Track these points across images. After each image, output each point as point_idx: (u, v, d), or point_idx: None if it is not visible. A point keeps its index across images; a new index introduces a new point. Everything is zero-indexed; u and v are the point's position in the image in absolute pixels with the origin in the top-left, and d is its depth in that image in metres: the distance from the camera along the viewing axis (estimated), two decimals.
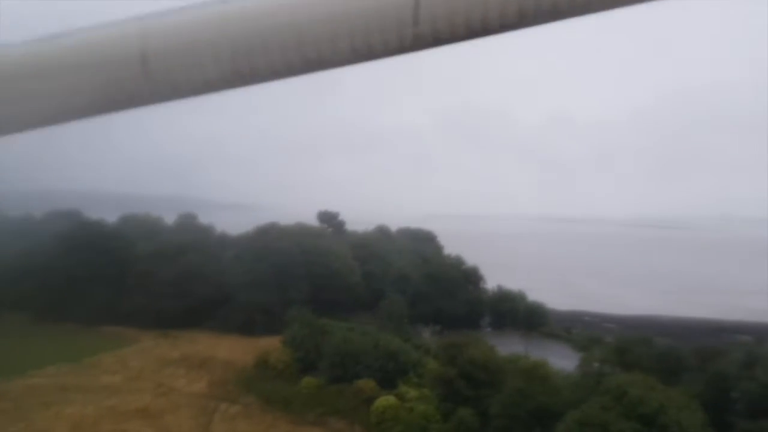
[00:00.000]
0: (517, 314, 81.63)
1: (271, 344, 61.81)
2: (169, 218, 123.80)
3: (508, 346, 72.00)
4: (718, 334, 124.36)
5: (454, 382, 42.91)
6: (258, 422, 46.14)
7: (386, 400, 45.47)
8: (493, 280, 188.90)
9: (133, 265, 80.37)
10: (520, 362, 42.47)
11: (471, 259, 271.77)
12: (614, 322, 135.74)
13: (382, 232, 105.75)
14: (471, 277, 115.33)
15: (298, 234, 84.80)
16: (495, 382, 42.17)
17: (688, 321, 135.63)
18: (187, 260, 78.20)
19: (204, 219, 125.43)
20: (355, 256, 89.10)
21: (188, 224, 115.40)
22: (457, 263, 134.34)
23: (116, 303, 78.03)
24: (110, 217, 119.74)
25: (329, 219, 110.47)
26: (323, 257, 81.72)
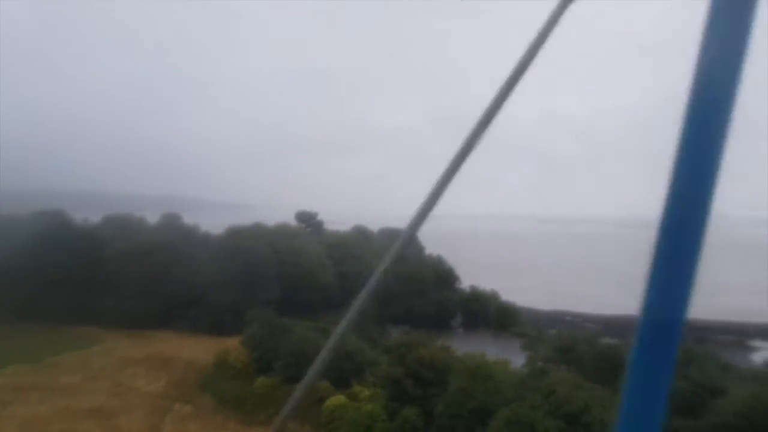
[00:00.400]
0: (488, 314, 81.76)
1: (234, 344, 61.92)
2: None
3: (477, 346, 72.32)
4: (700, 333, 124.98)
5: (401, 381, 43.04)
6: (208, 422, 46.28)
7: (336, 399, 45.60)
8: (480, 280, 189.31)
9: (103, 265, 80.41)
10: (465, 362, 42.57)
11: (461, 258, 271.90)
12: (595, 321, 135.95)
13: (359, 232, 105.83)
14: (446, 277, 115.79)
15: (270, 234, 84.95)
16: (442, 381, 42.29)
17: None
18: (156, 260, 78.27)
19: (200, 219, 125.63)
20: (329, 256, 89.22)
21: (171, 224, 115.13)
22: (436, 263, 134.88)
23: (86, 303, 78.13)
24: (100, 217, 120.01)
25: (307, 219, 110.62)
26: (295, 257, 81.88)
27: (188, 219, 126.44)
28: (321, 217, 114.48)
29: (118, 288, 77.15)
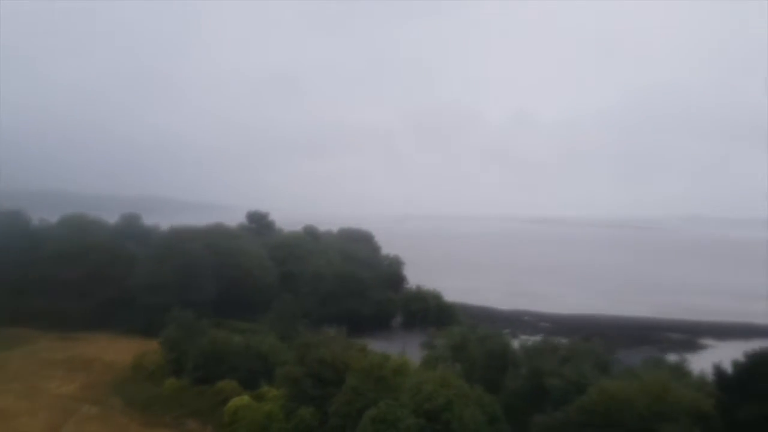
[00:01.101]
0: (428, 313, 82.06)
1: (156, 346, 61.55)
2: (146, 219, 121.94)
3: (410, 345, 72.42)
4: (651, 332, 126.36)
5: (300, 381, 43.06)
6: (110, 424, 45.98)
7: (240, 400, 45.51)
8: (447, 280, 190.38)
9: (41, 266, 79.70)
10: (360, 361, 42.60)
11: (433, 258, 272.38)
12: (550, 321, 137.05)
13: (308, 232, 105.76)
14: (393, 277, 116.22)
15: (209, 234, 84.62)
16: (341, 381, 42.32)
17: (624, 319, 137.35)
18: (92, 261, 77.68)
19: (179, 220, 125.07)
20: (272, 257, 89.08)
21: (131, 225, 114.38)
22: (389, 264, 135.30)
23: (24, 304, 77.35)
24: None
25: (258, 219, 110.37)
26: (235, 258, 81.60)
27: (167, 220, 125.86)
28: (285, 217, 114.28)
29: (55, 289, 76.42)
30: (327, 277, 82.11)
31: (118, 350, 65.64)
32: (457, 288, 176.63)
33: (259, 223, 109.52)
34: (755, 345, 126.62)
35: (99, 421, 46.80)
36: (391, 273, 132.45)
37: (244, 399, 45.53)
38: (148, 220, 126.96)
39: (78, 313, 74.62)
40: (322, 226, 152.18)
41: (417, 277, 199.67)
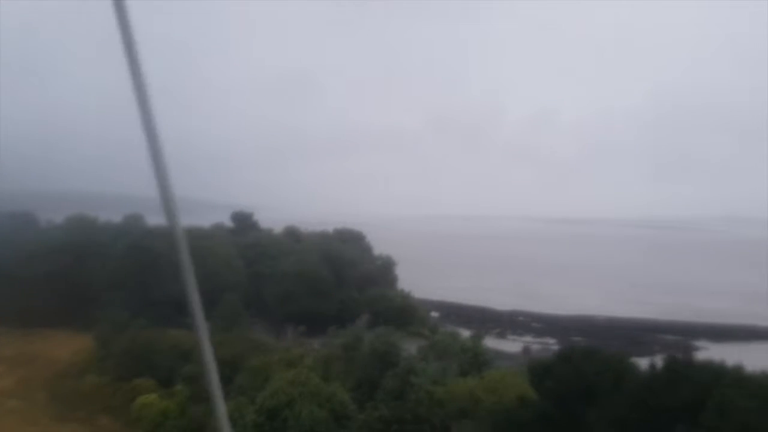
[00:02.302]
0: (391, 313, 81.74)
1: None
2: (157, 219, 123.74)
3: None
4: (645, 333, 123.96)
5: (198, 379, 43.54)
6: (22, 419, 47.10)
7: (146, 397, 46.23)
8: (452, 280, 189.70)
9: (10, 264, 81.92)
10: (252, 361, 42.94)
11: (444, 258, 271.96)
12: (543, 321, 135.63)
13: (289, 232, 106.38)
14: (383, 277, 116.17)
15: (168, 234, 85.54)
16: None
17: (621, 320, 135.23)
18: (58, 259, 79.59)
19: (200, 220, 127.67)
20: (243, 257, 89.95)
21: (133, 224, 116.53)
22: (384, 263, 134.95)
23: None
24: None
25: (242, 219, 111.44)
26: (201, 257, 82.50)
27: (189, 221, 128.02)
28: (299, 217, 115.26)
29: (20, 286, 78.41)
30: (289, 276, 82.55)
31: (69, 347, 67.04)
32: (460, 288, 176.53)
33: (242, 223, 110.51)
34: (752, 347, 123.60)
35: (17, 415, 47.99)
36: (380, 272, 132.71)
37: (151, 396, 46.22)
38: (159, 220, 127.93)
39: (42, 309, 76.31)
40: (331, 226, 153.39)
41: (422, 276, 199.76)
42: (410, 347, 50.29)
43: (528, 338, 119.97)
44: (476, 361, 43.32)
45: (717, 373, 25.89)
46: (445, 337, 53.67)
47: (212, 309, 78.77)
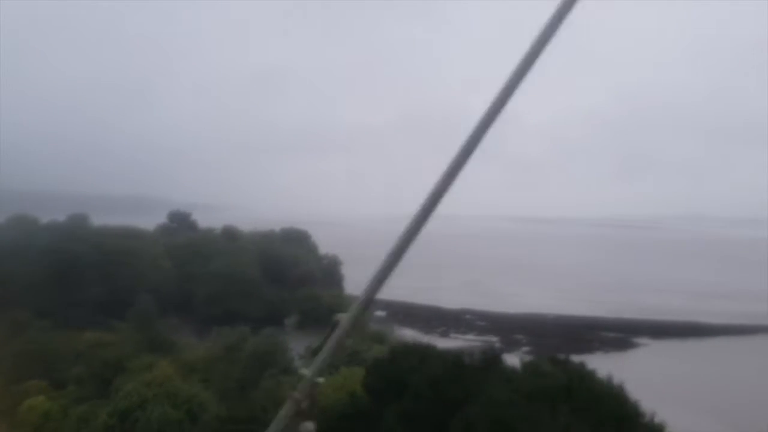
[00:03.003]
0: (319, 313, 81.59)
1: None
2: (132, 219, 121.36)
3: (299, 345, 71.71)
4: (587, 331, 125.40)
5: (86, 381, 42.96)
6: None
7: (33, 400, 45.32)
8: (407, 278, 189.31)
9: None
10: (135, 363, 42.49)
11: (406, 257, 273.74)
12: (488, 320, 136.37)
13: (226, 233, 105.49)
14: (328, 276, 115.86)
15: (100, 234, 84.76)
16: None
17: (567, 318, 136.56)
18: None
19: (160, 219, 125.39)
20: (173, 258, 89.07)
21: (76, 225, 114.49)
22: (330, 263, 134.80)
23: None
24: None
25: (180, 219, 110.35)
26: (125, 258, 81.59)
27: (155, 220, 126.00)
28: (269, 216, 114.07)
29: None
30: (216, 277, 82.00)
31: None
32: (415, 287, 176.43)
33: (180, 222, 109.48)
34: (691, 344, 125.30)
35: None
36: (326, 272, 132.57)
37: (38, 399, 45.33)
38: (144, 220, 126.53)
39: None
40: (298, 225, 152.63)
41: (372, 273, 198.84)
42: (300, 347, 50.10)
43: (471, 336, 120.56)
44: (354, 358, 43.18)
45: (496, 369, 26.42)
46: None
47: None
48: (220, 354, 45.23)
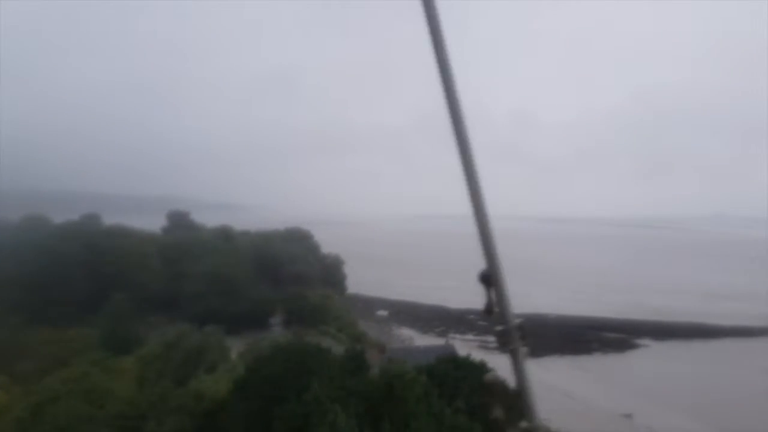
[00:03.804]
0: (306, 312, 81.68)
1: None
2: (155, 220, 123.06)
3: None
4: (589, 331, 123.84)
5: (32, 376, 43.43)
6: None
7: None
8: (418, 279, 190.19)
9: None
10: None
11: (415, 257, 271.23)
12: (490, 320, 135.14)
13: (222, 232, 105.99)
14: (329, 276, 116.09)
15: (90, 234, 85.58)
16: None
17: (571, 319, 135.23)
18: None
19: (200, 220, 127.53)
20: (164, 257, 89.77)
21: (88, 225, 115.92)
22: (333, 262, 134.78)
23: None
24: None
25: (178, 218, 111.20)
26: (114, 257, 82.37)
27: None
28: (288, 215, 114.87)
29: None
30: (202, 277, 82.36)
31: None
32: (424, 286, 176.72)
33: (178, 222, 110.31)
34: (694, 345, 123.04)
35: None
36: (327, 271, 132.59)
37: None
38: (161, 220, 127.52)
39: None
40: (317, 225, 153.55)
41: (388, 274, 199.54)
42: (240, 346, 50.09)
43: (470, 336, 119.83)
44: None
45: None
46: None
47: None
48: (158, 352, 45.27)
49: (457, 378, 30.96)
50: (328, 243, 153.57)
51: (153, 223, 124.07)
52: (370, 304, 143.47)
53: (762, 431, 69.70)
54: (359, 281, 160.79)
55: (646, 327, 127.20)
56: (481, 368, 33.46)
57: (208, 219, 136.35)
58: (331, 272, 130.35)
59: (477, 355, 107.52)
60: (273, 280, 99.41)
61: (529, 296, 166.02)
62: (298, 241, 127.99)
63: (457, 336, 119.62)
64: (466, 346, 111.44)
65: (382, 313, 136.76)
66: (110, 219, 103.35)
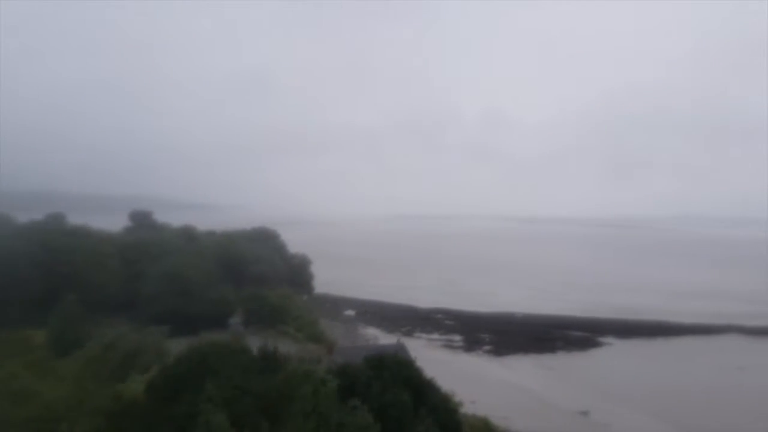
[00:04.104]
0: (264, 313, 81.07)
1: None
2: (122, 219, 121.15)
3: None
4: (554, 330, 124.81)
5: None
6: None
7: None
8: (387, 278, 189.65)
9: None
10: None
11: (391, 257, 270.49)
12: (457, 319, 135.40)
13: (185, 232, 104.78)
14: (295, 276, 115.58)
15: (40, 232, 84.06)
16: None
17: (536, 318, 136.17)
18: None
19: (170, 220, 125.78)
20: (122, 257, 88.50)
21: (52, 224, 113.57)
22: (300, 262, 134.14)
23: None
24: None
25: (141, 218, 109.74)
26: (70, 256, 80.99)
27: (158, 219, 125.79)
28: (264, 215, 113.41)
29: None
30: (160, 276, 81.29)
31: None
32: (395, 286, 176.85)
33: (141, 222, 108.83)
34: (656, 343, 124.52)
35: None
36: (294, 272, 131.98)
37: None
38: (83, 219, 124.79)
39: None
40: (294, 225, 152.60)
41: (360, 274, 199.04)
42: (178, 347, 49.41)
43: (435, 335, 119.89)
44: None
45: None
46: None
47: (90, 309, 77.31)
48: (96, 353, 44.48)
49: (370, 377, 30.89)
50: (302, 243, 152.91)
51: (123, 223, 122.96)
52: (338, 304, 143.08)
53: (717, 427, 71.03)
54: (330, 281, 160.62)
55: (610, 325, 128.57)
56: (408, 366, 33.39)
57: (182, 219, 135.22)
58: (297, 272, 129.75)
59: (439, 355, 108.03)
60: (236, 280, 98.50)
61: (498, 295, 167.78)
62: (264, 241, 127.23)
63: (423, 335, 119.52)
64: (429, 345, 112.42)
65: (350, 312, 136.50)
66: (81, 219, 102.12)
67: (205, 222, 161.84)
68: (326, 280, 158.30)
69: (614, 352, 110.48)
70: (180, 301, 78.03)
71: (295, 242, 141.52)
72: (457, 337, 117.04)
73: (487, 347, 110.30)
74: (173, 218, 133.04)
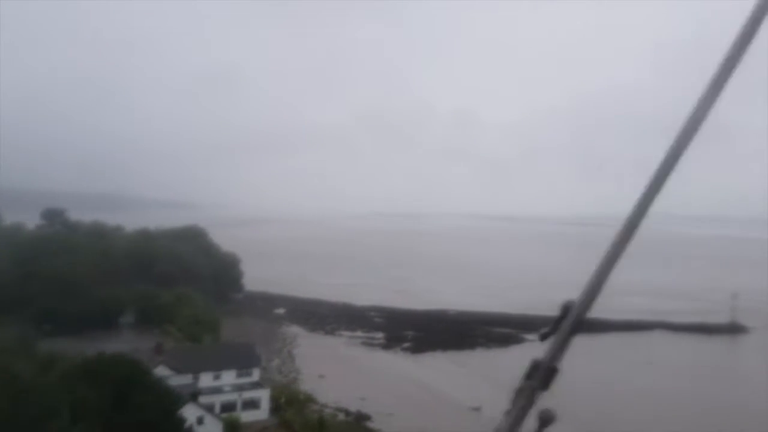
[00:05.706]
0: (156, 311, 79.80)
1: None
2: (103, 216, 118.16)
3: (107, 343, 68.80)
4: (480, 326, 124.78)
5: None
6: None
7: None
8: (332, 276, 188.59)
9: None
10: None
11: (346, 255, 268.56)
12: (387, 317, 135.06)
13: (94, 231, 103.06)
14: (224, 273, 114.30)
15: None
16: None
17: (469, 314, 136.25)
18: None
19: (143, 217, 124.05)
20: (20, 256, 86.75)
21: None
22: (231, 261, 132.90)
23: None
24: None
25: (53, 216, 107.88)
26: None
27: (132, 218, 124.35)
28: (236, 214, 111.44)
29: None
30: (46, 275, 79.58)
31: None
32: (340, 284, 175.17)
33: (53, 220, 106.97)
34: (582, 340, 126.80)
35: None
36: (224, 270, 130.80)
37: None
38: (114, 217, 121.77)
39: None
40: (262, 223, 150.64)
41: (307, 272, 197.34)
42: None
43: (359, 333, 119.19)
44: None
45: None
46: None
47: None
48: None
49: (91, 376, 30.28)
50: (266, 240, 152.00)
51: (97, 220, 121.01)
52: (271, 302, 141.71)
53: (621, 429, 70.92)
54: (275, 279, 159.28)
55: (540, 322, 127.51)
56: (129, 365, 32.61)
57: (154, 218, 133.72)
58: (225, 271, 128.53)
59: (354, 352, 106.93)
60: (155, 279, 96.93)
61: (443, 293, 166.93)
62: (191, 239, 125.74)
63: (346, 333, 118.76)
64: (348, 344, 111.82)
65: (280, 311, 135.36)
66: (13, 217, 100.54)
67: (176, 220, 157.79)
68: (270, 278, 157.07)
69: (534, 348, 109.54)
70: (62, 301, 76.31)
71: (259, 240, 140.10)
72: (379, 335, 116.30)
73: (406, 344, 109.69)
74: (144, 217, 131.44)
